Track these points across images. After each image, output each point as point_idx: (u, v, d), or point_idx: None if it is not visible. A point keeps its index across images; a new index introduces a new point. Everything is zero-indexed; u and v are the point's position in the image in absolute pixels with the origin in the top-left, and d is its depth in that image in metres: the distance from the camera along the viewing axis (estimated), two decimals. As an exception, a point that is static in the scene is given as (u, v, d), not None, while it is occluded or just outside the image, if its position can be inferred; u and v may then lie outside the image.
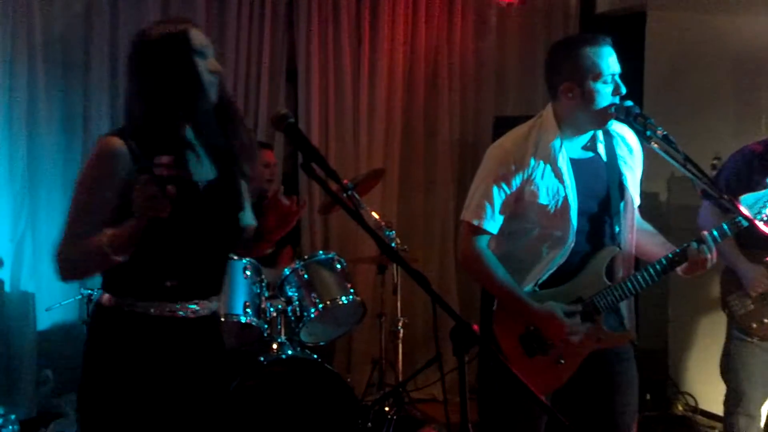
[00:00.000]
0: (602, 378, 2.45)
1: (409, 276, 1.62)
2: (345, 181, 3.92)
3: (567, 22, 5.29)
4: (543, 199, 2.38)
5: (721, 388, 4.42)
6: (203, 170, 2.02)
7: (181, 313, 1.99)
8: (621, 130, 2.51)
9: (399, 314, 4.15)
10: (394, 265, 4.14)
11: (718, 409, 4.43)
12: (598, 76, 2.32)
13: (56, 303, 3.96)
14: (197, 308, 2.03)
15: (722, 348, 3.36)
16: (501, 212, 2.43)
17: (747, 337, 3.17)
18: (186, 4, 4.50)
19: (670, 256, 2.39)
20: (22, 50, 4.18)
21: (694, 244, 2.35)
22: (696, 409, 4.52)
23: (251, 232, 2.15)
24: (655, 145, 2.27)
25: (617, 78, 2.35)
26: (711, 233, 2.36)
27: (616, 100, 2.34)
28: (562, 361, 2.39)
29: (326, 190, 1.80)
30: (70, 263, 1.92)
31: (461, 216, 2.51)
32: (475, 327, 1.54)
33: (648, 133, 2.27)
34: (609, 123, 2.40)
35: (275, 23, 4.79)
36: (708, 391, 4.50)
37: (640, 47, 4.92)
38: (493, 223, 2.43)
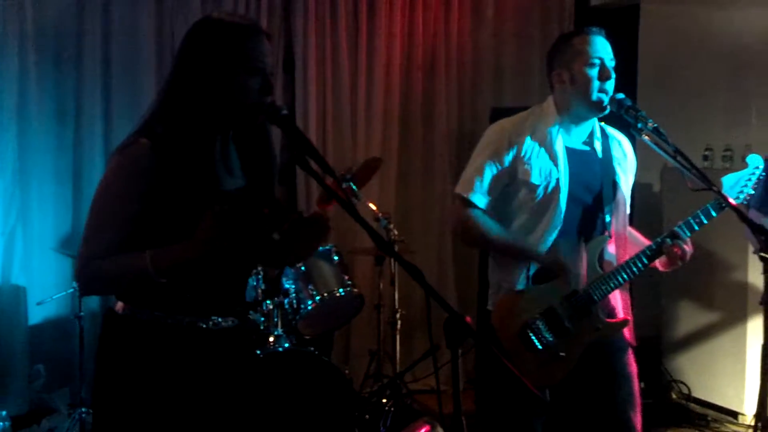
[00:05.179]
0: (601, 371, 2.47)
1: (403, 268, 1.63)
2: (342, 173, 3.96)
3: (562, 15, 5.31)
4: (535, 179, 2.43)
5: (713, 377, 4.48)
6: (233, 180, 1.92)
7: (202, 324, 1.89)
8: (618, 135, 2.59)
9: (396, 305, 4.18)
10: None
11: (711, 397, 4.50)
12: (585, 60, 2.40)
13: (48, 297, 3.96)
14: (219, 319, 1.92)
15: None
16: (491, 189, 2.48)
17: None
18: (182, -6, 4.50)
19: (647, 251, 2.43)
20: (12, 42, 4.16)
21: (668, 240, 2.40)
22: (689, 397, 4.57)
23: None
24: (646, 137, 2.31)
25: (606, 63, 2.41)
26: (680, 227, 2.40)
27: (606, 86, 2.39)
28: (562, 354, 2.41)
29: (320, 184, 1.80)
30: (100, 280, 1.80)
31: (455, 188, 2.57)
32: (468, 319, 1.57)
33: (639, 125, 2.31)
34: (606, 110, 2.43)
35: (272, 13, 4.78)
36: (701, 380, 4.55)
37: (633, 40, 4.95)
38: (482, 197, 2.48)
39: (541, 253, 2.42)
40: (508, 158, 2.46)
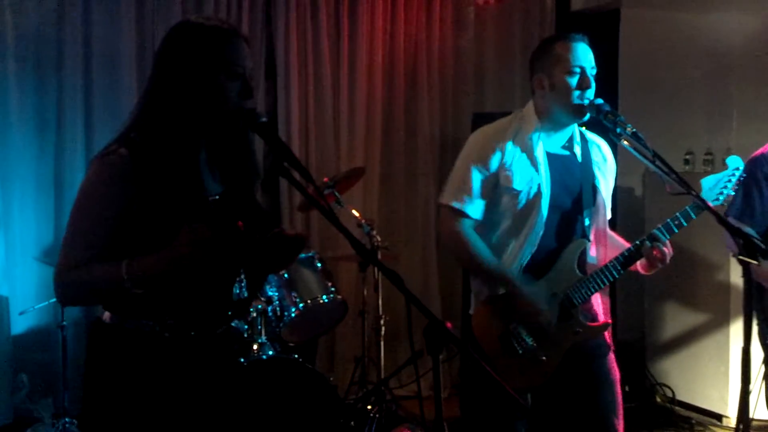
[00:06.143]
0: (584, 376, 2.48)
1: (383, 274, 1.63)
2: (325, 179, 3.98)
3: (543, 20, 5.34)
4: (517, 185, 2.43)
5: (697, 380, 4.51)
6: (217, 186, 1.92)
7: (189, 332, 1.88)
8: (597, 139, 2.61)
9: (381, 312, 4.17)
10: (375, 262, 4.15)
11: (695, 400, 4.53)
12: (565, 68, 2.40)
13: (30, 306, 3.92)
14: (207, 328, 1.92)
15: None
16: (483, 193, 2.46)
17: None
18: (163, -3, 4.48)
19: (626, 253, 2.45)
20: (-7, 49, 4.12)
21: (647, 242, 2.41)
22: (673, 400, 4.59)
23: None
24: (625, 142, 2.32)
25: (588, 72, 2.41)
26: (659, 229, 2.41)
27: (587, 93, 2.39)
28: (544, 358, 2.42)
29: (300, 191, 1.80)
30: (76, 290, 1.79)
31: (440, 199, 2.54)
32: (449, 325, 1.57)
33: (618, 130, 2.32)
34: (585, 117, 2.43)
35: (253, 18, 4.77)
36: (685, 383, 4.58)
37: (614, 44, 4.99)
38: (474, 207, 2.46)
39: (524, 291, 2.41)
40: (493, 163, 2.46)
